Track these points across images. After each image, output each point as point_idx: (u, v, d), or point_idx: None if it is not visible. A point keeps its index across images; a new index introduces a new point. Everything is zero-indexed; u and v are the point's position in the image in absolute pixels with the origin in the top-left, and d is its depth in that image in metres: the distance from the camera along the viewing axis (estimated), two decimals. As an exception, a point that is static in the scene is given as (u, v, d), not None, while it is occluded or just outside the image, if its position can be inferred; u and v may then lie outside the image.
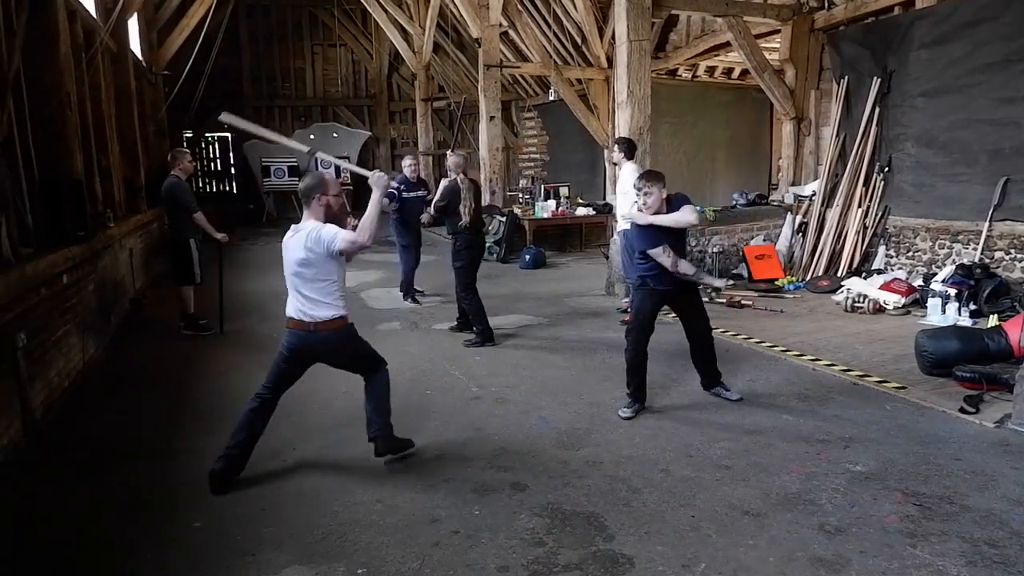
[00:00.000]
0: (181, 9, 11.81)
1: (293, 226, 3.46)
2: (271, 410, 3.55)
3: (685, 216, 4.09)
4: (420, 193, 7.49)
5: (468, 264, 5.97)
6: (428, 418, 4.24)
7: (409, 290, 7.63)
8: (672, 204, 4.17)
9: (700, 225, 8.20)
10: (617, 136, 7.06)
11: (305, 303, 3.42)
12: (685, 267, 4.15)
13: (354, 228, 3.44)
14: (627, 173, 6.37)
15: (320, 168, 5.19)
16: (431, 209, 6.43)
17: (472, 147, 15.54)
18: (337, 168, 11.66)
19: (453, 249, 6.08)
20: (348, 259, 3.45)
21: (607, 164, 12.41)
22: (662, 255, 4.08)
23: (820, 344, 5.54)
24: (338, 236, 3.31)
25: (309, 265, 3.35)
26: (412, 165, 7.61)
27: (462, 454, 3.71)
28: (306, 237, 3.32)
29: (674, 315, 4.74)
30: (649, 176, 4.18)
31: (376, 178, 3.47)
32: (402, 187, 7.35)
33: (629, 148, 6.53)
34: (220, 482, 3.32)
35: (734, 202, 9.09)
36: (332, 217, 3.44)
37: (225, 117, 3.93)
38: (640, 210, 4.16)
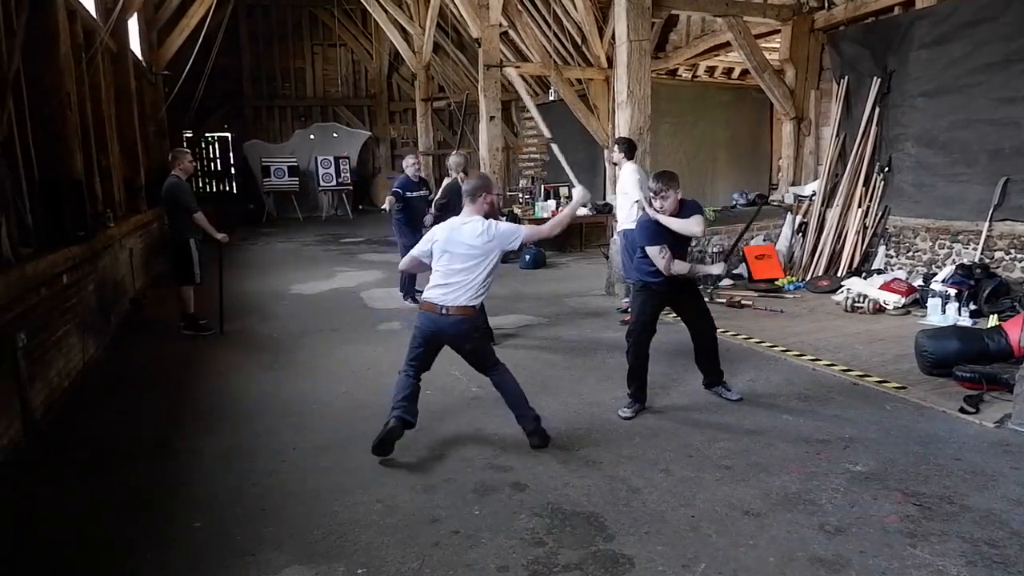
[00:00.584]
0: (181, 9, 11.81)
1: (453, 217, 3.79)
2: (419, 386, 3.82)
3: (692, 227, 4.12)
4: (422, 193, 7.49)
5: None
6: (428, 418, 4.23)
7: (410, 290, 7.57)
8: (684, 208, 4.17)
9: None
10: (617, 136, 7.06)
11: (451, 288, 3.62)
12: (678, 267, 4.14)
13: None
14: (627, 173, 6.37)
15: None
16: (433, 208, 6.42)
17: (472, 147, 15.53)
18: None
19: None
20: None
21: (607, 164, 12.40)
22: (658, 255, 4.08)
23: (820, 344, 5.54)
24: (520, 229, 3.79)
25: (475, 255, 3.62)
26: (414, 165, 7.62)
27: (462, 454, 3.71)
28: (483, 229, 3.63)
29: (675, 315, 4.74)
30: (665, 178, 4.13)
31: (581, 192, 4.16)
32: (404, 190, 7.35)
33: (629, 148, 6.53)
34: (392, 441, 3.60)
35: (734, 202, 9.09)
36: (491, 214, 3.78)
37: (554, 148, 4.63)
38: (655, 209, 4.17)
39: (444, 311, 3.60)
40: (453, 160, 6.23)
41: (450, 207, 6.01)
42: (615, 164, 6.82)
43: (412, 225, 7.42)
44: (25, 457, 3.77)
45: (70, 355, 4.94)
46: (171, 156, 6.53)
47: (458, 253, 3.63)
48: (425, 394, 4.65)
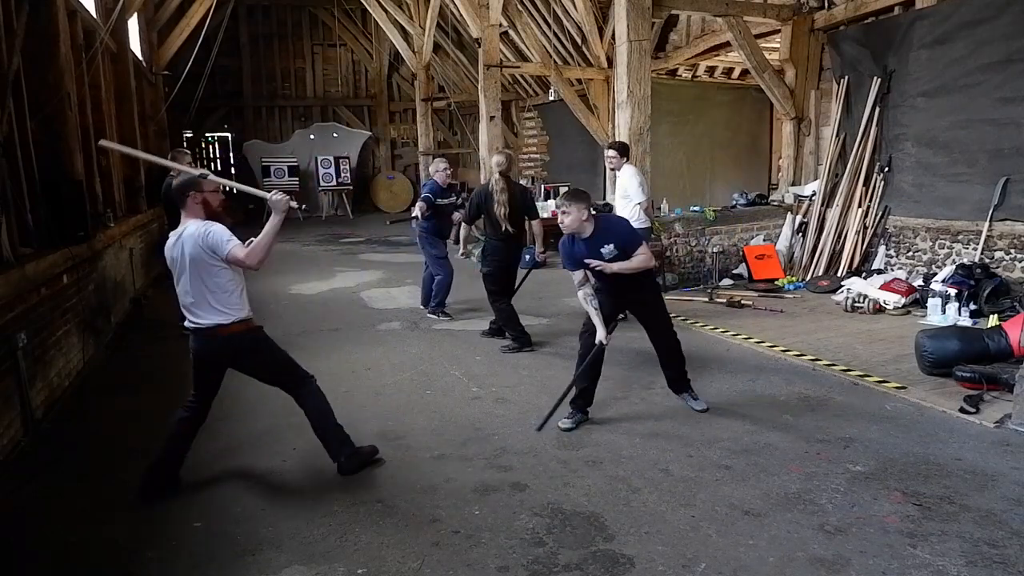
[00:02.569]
0: (181, 9, 11.81)
1: (172, 233, 3.29)
2: (201, 422, 3.44)
3: (639, 263, 3.97)
4: (451, 200, 7.00)
5: (494, 270, 5.85)
6: (428, 418, 4.24)
7: (442, 304, 6.97)
8: (598, 231, 3.95)
9: (700, 225, 8.21)
10: (610, 140, 7.00)
11: (196, 306, 3.23)
12: (584, 292, 4.01)
13: (247, 242, 3.25)
14: (628, 176, 6.37)
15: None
16: (462, 220, 6.10)
17: (472, 147, 15.53)
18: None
19: (482, 253, 6.04)
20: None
21: (607, 164, 12.40)
22: (576, 279, 4.03)
23: (820, 344, 5.54)
24: (231, 245, 3.14)
25: (203, 268, 3.15)
26: (445, 170, 6.93)
27: (462, 454, 3.71)
28: (195, 240, 3.14)
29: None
30: (568, 196, 3.97)
31: (275, 200, 3.21)
32: (435, 196, 6.72)
33: (622, 150, 6.48)
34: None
35: (734, 202, 9.09)
36: (212, 214, 3.26)
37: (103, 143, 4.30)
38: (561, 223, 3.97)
39: (207, 333, 3.22)
40: (496, 159, 5.86)
41: (475, 215, 5.89)
42: (613, 169, 6.76)
43: (439, 234, 6.92)
44: (25, 457, 3.77)
45: (70, 355, 4.94)
46: (170, 157, 6.53)
47: (182, 266, 3.20)
48: (425, 394, 4.68)
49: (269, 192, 3.33)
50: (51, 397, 4.43)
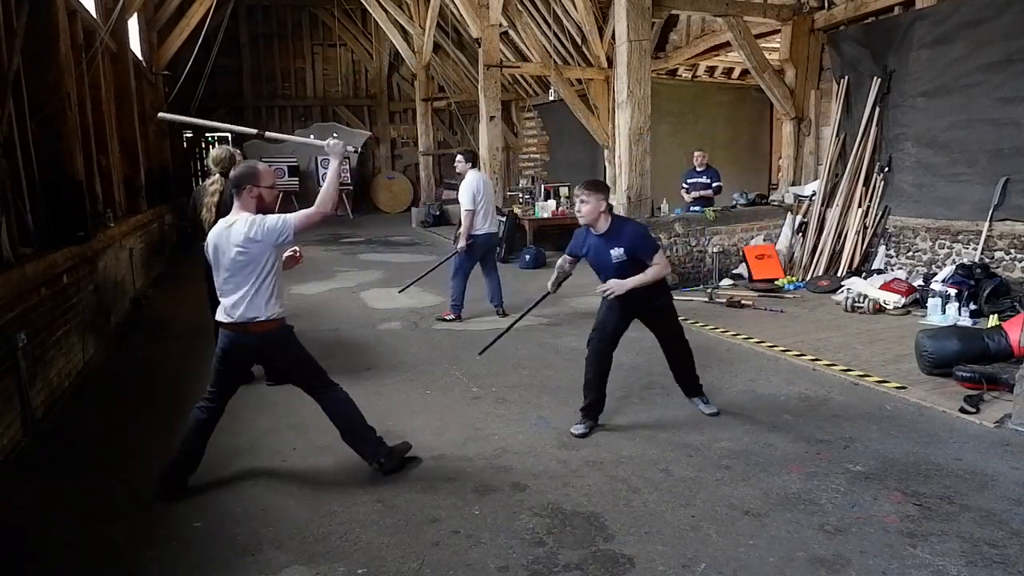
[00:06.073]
0: (181, 9, 11.82)
1: (221, 222, 3.25)
2: (217, 419, 3.42)
3: (655, 275, 3.82)
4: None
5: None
6: (428, 418, 4.24)
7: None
8: (615, 233, 3.84)
9: (700, 225, 8.21)
10: (462, 148, 7.22)
11: (236, 301, 3.18)
12: (561, 267, 4.19)
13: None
14: (467, 182, 6.54)
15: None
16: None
17: (472, 147, 15.48)
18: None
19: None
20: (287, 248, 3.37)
21: (607, 164, 12.41)
22: (565, 258, 4.18)
23: (820, 344, 5.54)
24: (287, 219, 3.16)
25: (246, 261, 3.14)
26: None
27: (462, 454, 3.71)
28: (247, 229, 3.12)
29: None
30: (589, 185, 3.86)
31: (332, 145, 3.37)
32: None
33: (473, 158, 6.82)
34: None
35: (734, 202, 9.09)
36: (263, 209, 3.24)
37: (162, 115, 4.27)
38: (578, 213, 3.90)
39: (242, 328, 3.20)
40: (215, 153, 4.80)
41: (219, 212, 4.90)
42: (459, 174, 6.79)
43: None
44: (25, 457, 3.77)
45: (70, 355, 4.94)
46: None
47: (228, 261, 3.15)
48: (425, 394, 4.68)
49: (327, 140, 3.45)
50: (51, 397, 4.43)
